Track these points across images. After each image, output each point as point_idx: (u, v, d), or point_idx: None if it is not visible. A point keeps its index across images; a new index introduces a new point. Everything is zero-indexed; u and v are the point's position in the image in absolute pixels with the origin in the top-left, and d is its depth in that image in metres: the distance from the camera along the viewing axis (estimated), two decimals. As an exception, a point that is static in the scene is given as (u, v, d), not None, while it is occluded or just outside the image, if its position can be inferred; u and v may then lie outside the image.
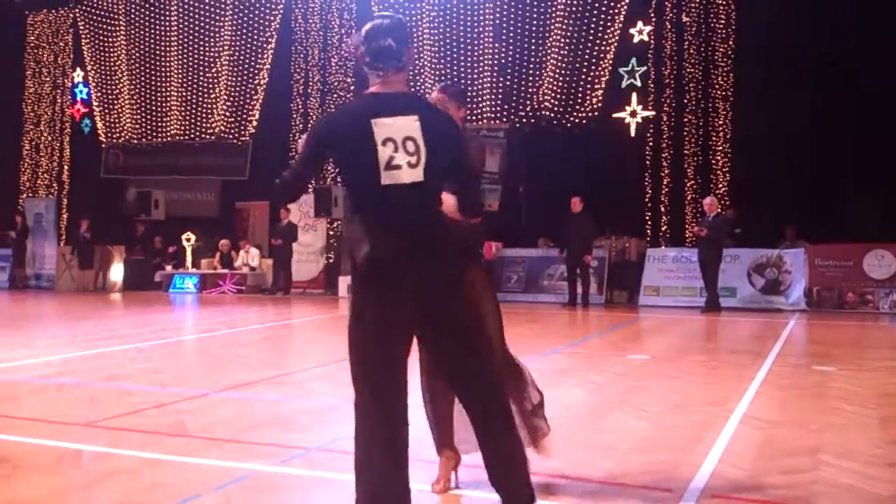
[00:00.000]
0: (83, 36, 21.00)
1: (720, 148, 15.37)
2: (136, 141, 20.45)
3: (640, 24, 15.94)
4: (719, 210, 13.60)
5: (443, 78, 17.58)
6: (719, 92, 15.43)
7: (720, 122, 15.40)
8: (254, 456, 4.28)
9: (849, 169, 13.58)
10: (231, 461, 4.19)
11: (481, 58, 17.28)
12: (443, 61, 17.59)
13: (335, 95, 18.59)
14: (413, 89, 17.86)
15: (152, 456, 4.27)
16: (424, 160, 2.87)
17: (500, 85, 17.06)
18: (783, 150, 14.15)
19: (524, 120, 16.77)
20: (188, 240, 18.38)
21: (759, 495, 3.66)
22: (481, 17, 17.30)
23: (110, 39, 20.74)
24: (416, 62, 17.87)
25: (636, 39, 16.00)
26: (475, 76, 17.34)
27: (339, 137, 2.94)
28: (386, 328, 2.91)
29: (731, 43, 15.38)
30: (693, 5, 15.66)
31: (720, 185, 15.25)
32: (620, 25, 16.10)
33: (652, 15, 15.93)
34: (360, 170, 2.90)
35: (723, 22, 15.46)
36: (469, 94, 17.41)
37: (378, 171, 2.85)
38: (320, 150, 3.07)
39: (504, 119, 16.99)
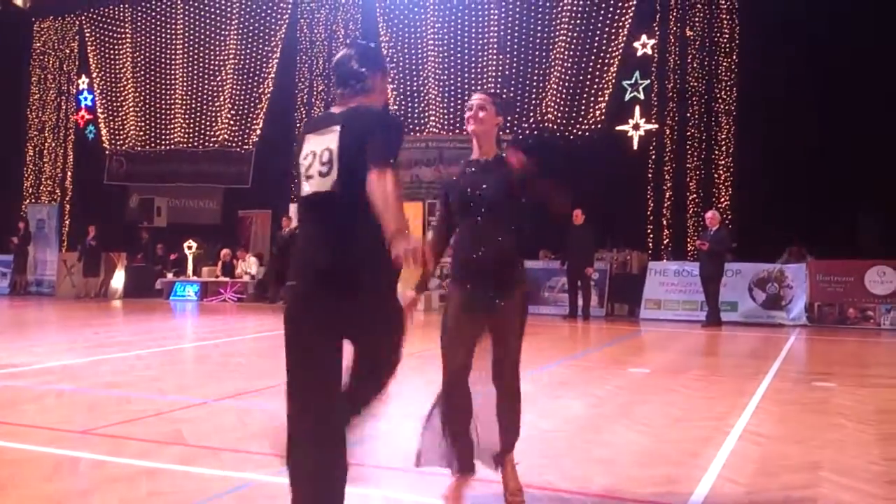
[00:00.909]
0: (89, 43, 21.10)
1: (722, 162, 15.39)
2: (139, 148, 20.52)
3: (643, 37, 16.00)
4: (721, 224, 13.60)
5: (446, 90, 17.64)
6: (722, 106, 15.46)
7: (723, 136, 15.43)
8: (252, 465, 4.27)
9: (851, 184, 13.57)
10: (229, 470, 4.18)
11: (485, 69, 17.34)
12: (447, 72, 17.64)
13: (339, 105, 18.63)
14: (417, 101, 17.94)
15: (150, 464, 4.26)
16: (336, 170, 2.81)
17: (504, 96, 17.08)
18: (785, 164, 14.15)
19: (527, 132, 16.80)
20: (190, 247, 18.40)
21: (757, 511, 3.64)
22: (485, 29, 17.37)
23: (116, 47, 20.84)
24: (420, 73, 17.93)
25: (640, 53, 16.05)
26: (479, 87, 17.38)
27: (295, 152, 3.07)
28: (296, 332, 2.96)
29: (734, 57, 15.42)
30: (696, 19, 15.72)
31: (722, 199, 15.26)
32: (624, 39, 16.16)
33: (656, 28, 15.99)
34: (298, 181, 3.00)
35: (726, 36, 15.51)
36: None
37: (300, 182, 2.95)
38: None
39: (507, 131, 17.01)
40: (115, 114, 20.87)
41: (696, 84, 15.66)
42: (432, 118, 17.79)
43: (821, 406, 6.20)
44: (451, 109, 17.61)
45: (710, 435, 5.13)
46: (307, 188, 2.92)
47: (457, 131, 17.61)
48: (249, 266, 17.77)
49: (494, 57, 17.24)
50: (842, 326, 12.94)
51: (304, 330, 2.91)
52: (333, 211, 2.84)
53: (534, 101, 16.82)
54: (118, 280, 18.51)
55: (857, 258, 13.30)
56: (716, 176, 15.44)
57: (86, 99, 21.33)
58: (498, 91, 17.01)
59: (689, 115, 15.68)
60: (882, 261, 13.04)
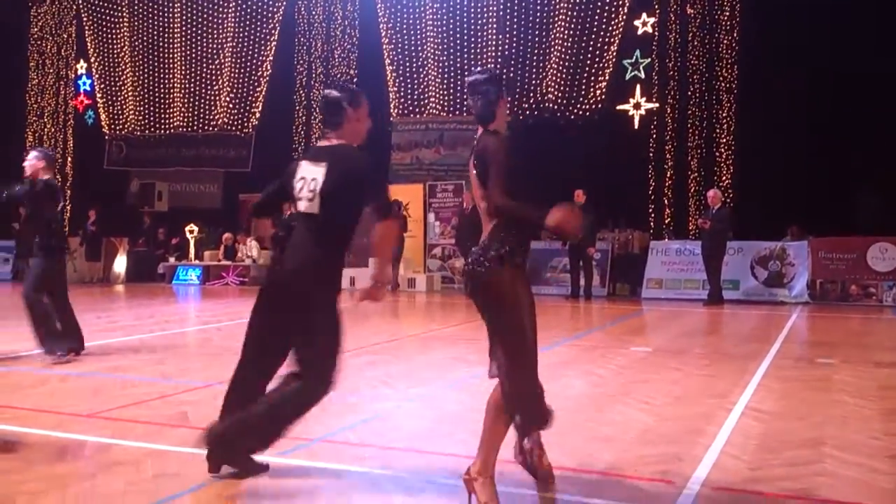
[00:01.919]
0: (87, 27, 21.01)
1: (724, 140, 15.34)
2: (139, 133, 20.47)
3: (644, 15, 15.90)
4: (723, 202, 13.58)
5: (445, 71, 17.56)
6: (723, 84, 15.39)
7: (724, 115, 15.37)
8: (256, 447, 4.28)
9: (853, 161, 13.54)
10: (234, 452, 4.19)
11: (484, 50, 17.25)
12: (446, 53, 17.56)
13: (338, 87, 18.56)
14: (417, 83, 17.87)
15: (155, 447, 4.28)
16: (318, 200, 3.67)
17: (504, 77, 16.99)
18: (787, 142, 14.11)
19: (528, 112, 16.74)
20: (191, 231, 18.40)
21: (760, 487, 3.66)
22: (485, 10, 17.27)
23: (114, 31, 20.74)
24: (420, 54, 17.85)
25: (640, 31, 15.96)
26: (479, 68, 17.30)
27: (289, 169, 3.91)
28: (259, 315, 3.87)
29: (735, 35, 15.33)
30: (698, -3, 15.62)
31: (724, 178, 15.22)
32: (624, 17, 16.07)
33: (656, 6, 15.89)
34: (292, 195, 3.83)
35: (727, 14, 15.41)
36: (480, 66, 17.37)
37: (294, 198, 3.81)
38: (281, 182, 4.01)
39: (508, 112, 16.93)
40: (115, 98, 20.81)
41: (696, 62, 15.58)
42: (432, 99, 17.72)
43: (822, 383, 6.21)
44: (452, 91, 17.54)
45: (713, 412, 5.14)
46: (300, 206, 3.78)
47: (457, 112, 17.55)
48: (251, 250, 17.78)
49: (494, 37, 17.14)
50: (844, 303, 12.95)
51: (263, 308, 3.83)
52: (312, 228, 3.72)
53: (534, 82, 16.74)
54: (120, 265, 18.53)
55: (858, 235, 13.28)
56: (717, 154, 15.40)
57: (84, 84, 21.27)
58: (499, 71, 16.94)
59: (690, 93, 15.61)
60: (884, 238, 13.03)
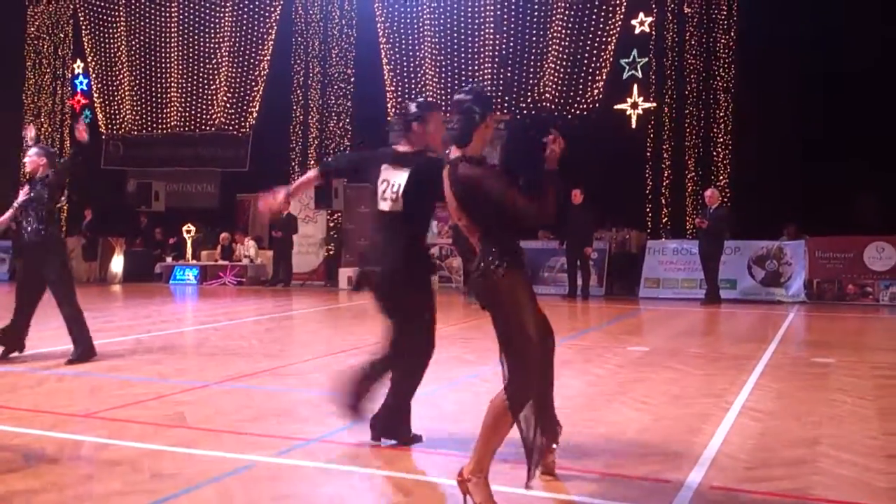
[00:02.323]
0: (83, 27, 20.96)
1: (721, 140, 15.34)
2: (136, 132, 20.44)
3: (641, 14, 15.90)
4: (720, 202, 13.59)
5: (443, 70, 17.55)
6: (720, 83, 15.39)
7: (721, 114, 15.37)
8: (254, 447, 4.29)
9: (850, 161, 13.54)
10: (231, 452, 4.20)
11: (482, 49, 17.24)
12: (443, 52, 17.55)
13: (335, 87, 18.57)
14: (414, 81, 17.87)
15: (152, 447, 4.28)
16: (401, 201, 4.15)
17: (501, 76, 17.02)
18: (784, 141, 14.12)
19: (525, 111, 16.74)
20: (188, 231, 18.38)
21: (757, 486, 3.67)
22: (482, 9, 17.26)
23: (111, 30, 20.70)
24: (417, 53, 17.84)
25: (637, 30, 15.96)
26: (476, 67, 17.31)
27: (369, 162, 4.42)
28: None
29: (732, 34, 15.33)
30: (695, -4, 15.62)
31: (721, 177, 15.23)
32: (622, 16, 16.06)
33: (653, 6, 15.89)
34: (373, 194, 4.29)
35: (724, 13, 15.41)
36: (469, 85, 17.37)
37: (377, 198, 4.25)
38: (359, 164, 4.68)
39: (505, 111, 16.97)
40: (111, 98, 20.76)
41: (694, 62, 15.58)
42: (430, 99, 17.71)
43: (820, 382, 6.22)
44: (448, 90, 17.52)
45: (710, 412, 5.15)
46: (383, 206, 4.23)
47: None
48: (248, 249, 17.77)
49: (491, 36, 17.14)
50: (841, 303, 12.96)
51: (378, 304, 4.34)
52: (395, 227, 4.20)
53: (531, 81, 16.74)
54: (117, 264, 18.51)
55: (855, 234, 13.29)
56: (714, 154, 15.40)
57: (81, 83, 21.23)
58: (495, 72, 16.95)
59: (687, 93, 15.61)
60: (881, 237, 13.04)
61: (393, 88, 17.98)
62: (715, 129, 15.41)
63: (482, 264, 3.39)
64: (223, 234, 18.18)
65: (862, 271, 13.09)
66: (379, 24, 18.03)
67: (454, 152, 3.50)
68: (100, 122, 20.79)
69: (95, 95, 20.90)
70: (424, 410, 5.20)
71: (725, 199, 14.55)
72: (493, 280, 3.35)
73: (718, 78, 15.40)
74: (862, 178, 13.50)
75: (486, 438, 3.37)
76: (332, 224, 18.21)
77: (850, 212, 13.79)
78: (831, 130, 13.62)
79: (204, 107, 19.77)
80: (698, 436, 4.55)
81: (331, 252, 18.09)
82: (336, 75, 18.58)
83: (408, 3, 17.89)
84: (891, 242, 12.95)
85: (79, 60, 21.18)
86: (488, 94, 3.86)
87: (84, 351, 6.98)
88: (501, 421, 3.36)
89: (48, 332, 7.88)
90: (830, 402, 5.46)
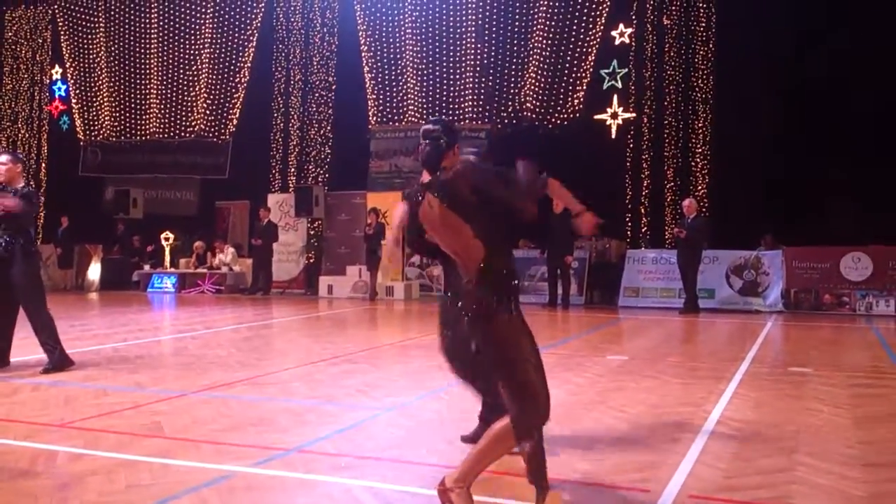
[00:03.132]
0: (62, 32, 20.81)
1: (699, 150, 15.48)
2: (114, 139, 20.29)
3: (621, 26, 16.03)
4: (698, 212, 13.69)
5: (424, 79, 17.57)
6: (699, 94, 15.53)
7: (700, 125, 15.51)
8: (231, 457, 4.25)
9: (827, 171, 13.71)
10: (208, 462, 4.16)
11: (463, 58, 17.30)
12: (425, 61, 17.58)
13: (316, 94, 18.54)
14: (396, 90, 17.89)
15: (128, 457, 4.23)
16: None
17: (482, 85, 17.08)
18: (762, 152, 14.26)
19: (506, 121, 16.80)
20: (167, 239, 18.25)
21: (735, 496, 3.68)
22: (464, 18, 17.32)
23: (90, 36, 20.56)
24: (399, 61, 17.87)
25: (617, 41, 16.08)
26: (457, 76, 17.35)
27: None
28: None
29: (710, 46, 15.49)
30: (674, 8, 15.77)
31: (699, 188, 15.36)
32: (602, 27, 16.18)
33: (633, 17, 16.02)
34: None
35: (703, 25, 15.57)
36: (451, 94, 17.42)
37: None
38: None
39: (486, 120, 17.01)
40: (90, 104, 20.61)
41: (673, 73, 15.72)
42: (411, 107, 17.73)
43: (797, 391, 6.27)
44: (430, 98, 17.56)
45: (688, 421, 5.17)
46: None
47: (435, 120, 17.54)
48: (227, 257, 17.65)
49: (473, 45, 17.19)
50: (817, 312, 13.09)
51: None
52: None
53: (512, 90, 16.81)
54: (94, 272, 18.33)
55: (831, 244, 13.43)
56: (693, 164, 15.53)
57: (59, 89, 21.06)
58: (476, 81, 17.00)
59: (666, 103, 15.74)
60: (857, 247, 13.19)
61: (374, 97, 17.98)
62: (693, 140, 15.55)
63: (483, 303, 3.26)
64: (197, 243, 18.04)
65: (838, 281, 13.22)
66: (360, 32, 18.04)
67: (425, 177, 3.63)
68: (78, 129, 20.63)
69: (74, 101, 20.74)
70: (404, 420, 5.18)
71: (704, 209, 14.67)
72: (495, 324, 3.29)
73: (697, 89, 15.55)
74: (840, 188, 13.67)
75: (479, 459, 3.35)
76: (312, 232, 18.15)
77: (827, 222, 13.95)
78: (809, 141, 13.79)
79: (183, 113, 19.67)
80: (677, 445, 4.56)
81: (311, 260, 18.02)
82: (317, 83, 18.56)
83: (389, 12, 17.92)
84: (867, 253, 13.10)
85: (57, 66, 21.03)
86: (455, 125, 3.93)
87: (61, 360, 6.88)
88: (500, 446, 3.34)
89: (23, 342, 7.78)
90: (807, 412, 5.50)
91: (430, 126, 3.74)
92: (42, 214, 20.56)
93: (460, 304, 3.36)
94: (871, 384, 6.63)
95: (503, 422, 3.31)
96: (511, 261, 3.44)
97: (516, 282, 3.45)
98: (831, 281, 13.26)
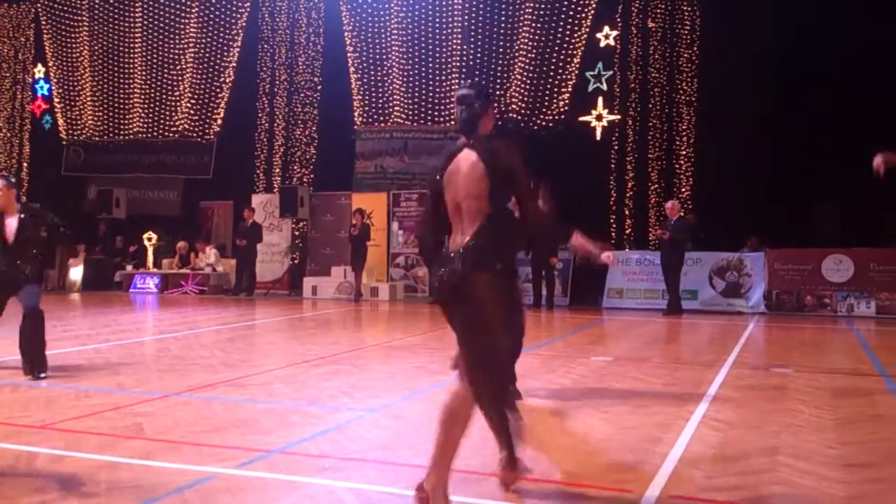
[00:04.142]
0: (45, 31, 20.62)
1: (684, 153, 15.56)
2: (97, 138, 20.13)
3: (606, 28, 16.09)
4: (681, 214, 13.76)
5: (410, 79, 17.56)
6: (683, 97, 15.62)
7: (684, 127, 15.60)
8: (214, 459, 4.23)
9: (810, 174, 13.81)
10: (190, 464, 4.14)
11: (449, 59, 17.30)
12: (411, 62, 17.57)
13: (302, 94, 18.49)
14: (381, 91, 17.87)
15: (109, 459, 4.20)
16: None
17: (491, 92, 17.05)
18: (745, 155, 14.34)
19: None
20: (150, 239, 18.13)
21: (717, 496, 3.70)
22: (450, 19, 17.33)
23: (73, 35, 20.39)
24: (385, 63, 17.85)
25: (603, 44, 16.14)
26: (443, 78, 17.35)
27: None
28: None
29: (695, 49, 15.59)
30: (659, 11, 15.85)
31: (683, 189, 15.44)
32: (587, 30, 16.23)
33: (618, 20, 16.08)
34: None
35: (688, 28, 15.67)
36: (437, 95, 17.43)
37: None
38: None
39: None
40: (73, 103, 20.44)
41: (657, 75, 15.80)
42: (397, 108, 17.71)
43: (778, 392, 6.31)
44: (416, 99, 17.55)
45: (671, 421, 5.20)
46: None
47: (422, 121, 17.56)
48: (210, 258, 17.55)
49: (459, 47, 17.20)
50: (799, 314, 13.19)
51: None
52: None
53: (498, 92, 16.82)
54: (76, 273, 18.18)
55: (814, 247, 13.54)
56: (677, 166, 15.61)
57: (42, 88, 20.86)
58: (462, 83, 17.00)
59: (651, 106, 15.82)
60: (839, 249, 13.30)
61: (360, 97, 17.95)
62: (678, 142, 15.63)
63: (473, 258, 3.36)
64: (180, 243, 17.93)
65: (820, 283, 13.33)
66: (346, 33, 18.01)
67: (463, 140, 3.67)
68: (60, 128, 20.46)
69: (56, 100, 20.55)
70: (387, 421, 5.18)
71: (687, 211, 14.74)
72: (481, 280, 3.34)
73: (681, 91, 15.63)
74: (822, 191, 13.79)
75: (443, 450, 3.36)
76: (297, 232, 18.10)
77: (810, 224, 14.06)
78: (791, 144, 13.89)
79: (167, 113, 19.56)
80: (660, 445, 4.58)
81: (295, 261, 17.96)
82: (302, 83, 18.50)
83: (375, 13, 17.90)
84: (848, 255, 13.21)
85: (40, 65, 20.83)
86: (489, 89, 3.98)
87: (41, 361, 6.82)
88: (454, 429, 3.36)
89: (3, 342, 7.71)
90: (789, 412, 5.54)
91: (464, 91, 3.72)
92: (24, 214, 20.35)
93: (459, 260, 3.40)
94: (852, 385, 6.69)
95: (449, 402, 3.37)
96: (509, 235, 3.52)
97: (514, 253, 3.60)
98: (813, 282, 13.37)
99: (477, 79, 16.91)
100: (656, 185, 15.70)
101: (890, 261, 13.03)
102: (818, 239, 13.72)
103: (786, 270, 13.54)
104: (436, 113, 17.41)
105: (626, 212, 15.86)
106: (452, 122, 17.06)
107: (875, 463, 4.29)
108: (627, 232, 15.86)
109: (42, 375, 6.58)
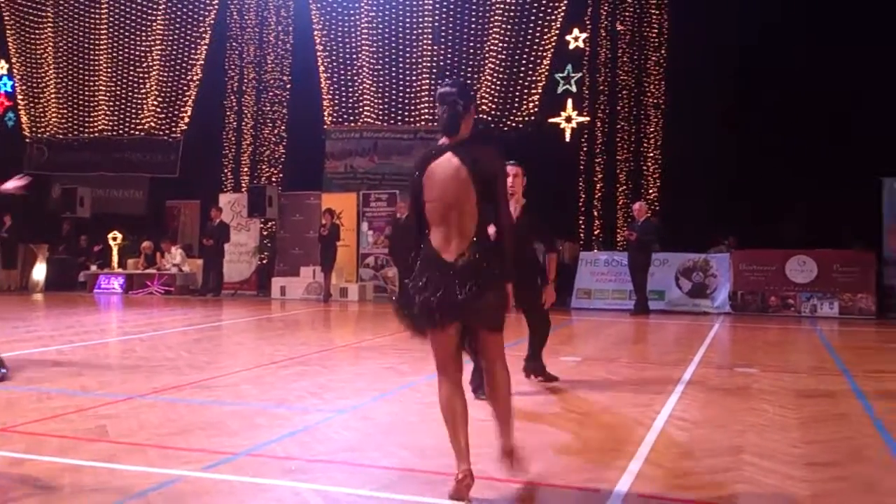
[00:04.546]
0: (8, 26, 20.22)
1: (651, 154, 15.72)
2: (61, 136, 19.81)
3: (575, 30, 16.19)
4: (648, 215, 13.89)
5: (380, 79, 17.52)
6: (651, 100, 15.79)
7: (651, 130, 15.76)
8: (179, 461, 4.18)
9: (776, 176, 14.02)
10: (155, 467, 4.08)
11: (420, 59, 17.29)
12: (381, 62, 17.53)
13: (271, 93, 18.36)
14: (351, 91, 17.81)
15: (72, 462, 4.12)
16: None
17: (438, 87, 17.07)
18: (711, 157, 14.52)
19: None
20: (114, 239, 17.87)
21: (683, 494, 3.73)
22: (420, 20, 17.32)
23: (37, 30, 20.04)
24: (354, 63, 17.79)
25: (572, 46, 16.24)
26: (413, 78, 17.34)
27: None
28: None
29: (663, 52, 15.76)
30: (627, 14, 16.00)
31: (651, 191, 15.59)
32: (557, 32, 16.32)
33: (588, 22, 16.20)
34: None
35: (655, 31, 15.83)
36: (407, 96, 17.40)
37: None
38: None
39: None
40: (36, 100, 20.08)
41: (626, 78, 15.94)
42: (367, 108, 17.66)
43: (743, 391, 6.39)
44: (386, 100, 17.52)
45: (638, 421, 5.23)
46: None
47: (392, 122, 17.53)
48: (175, 258, 17.33)
49: (429, 48, 17.20)
50: (763, 314, 13.37)
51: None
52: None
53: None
54: (39, 272, 17.86)
55: (779, 247, 13.74)
56: (644, 168, 15.76)
57: (5, 85, 20.46)
58: (432, 83, 17.00)
59: (619, 108, 15.96)
60: (803, 251, 13.51)
61: (330, 97, 17.87)
62: (645, 144, 15.79)
63: (483, 278, 3.58)
64: (145, 243, 17.68)
65: (784, 284, 13.53)
66: (316, 32, 17.91)
67: (445, 140, 3.67)
68: (24, 125, 20.09)
69: (20, 97, 20.18)
70: (356, 423, 5.15)
71: (654, 212, 14.87)
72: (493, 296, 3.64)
73: (649, 94, 15.79)
74: (787, 193, 14.00)
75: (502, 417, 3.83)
76: (265, 232, 17.96)
77: (775, 226, 14.26)
78: (759, 147, 14.09)
79: (133, 111, 19.30)
80: (627, 445, 4.61)
81: (264, 261, 17.82)
82: (271, 81, 18.37)
83: (345, 12, 17.83)
84: (812, 256, 13.43)
85: (2, 61, 20.43)
86: (470, 87, 3.98)
87: None
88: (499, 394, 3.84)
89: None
90: (753, 412, 5.61)
91: (446, 89, 3.70)
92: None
93: (468, 269, 3.56)
94: (816, 385, 6.79)
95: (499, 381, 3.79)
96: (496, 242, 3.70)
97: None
98: (777, 283, 13.56)
99: (453, 77, 16.93)
100: (624, 187, 15.84)
101: (853, 262, 13.28)
102: (784, 240, 13.92)
103: (750, 271, 13.72)
104: (406, 113, 17.38)
105: (595, 213, 15.98)
106: (423, 123, 17.09)
107: (838, 462, 4.35)
108: (596, 233, 15.98)
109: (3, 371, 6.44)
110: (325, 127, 17.89)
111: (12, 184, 6.57)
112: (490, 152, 3.63)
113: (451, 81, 3.77)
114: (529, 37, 16.50)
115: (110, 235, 17.90)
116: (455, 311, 3.56)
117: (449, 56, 17.06)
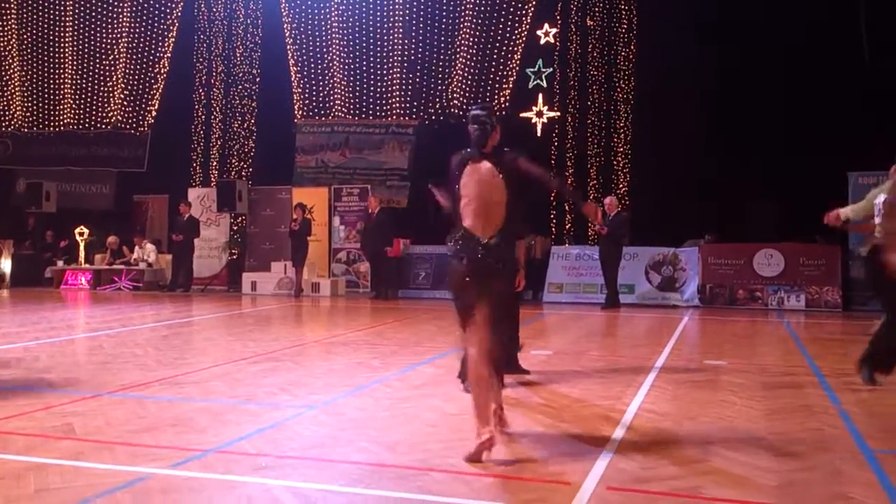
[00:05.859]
0: (-31, 17, 19.82)
1: (621, 149, 15.84)
2: (26, 129, 19.47)
3: (546, 25, 16.25)
4: (619, 209, 13.99)
5: (351, 73, 17.43)
6: (621, 95, 15.90)
7: (621, 125, 15.87)
8: (147, 459, 4.13)
9: (744, 171, 14.19)
10: (123, 465, 4.03)
11: (391, 54, 17.24)
12: (352, 55, 17.45)
13: (240, 87, 18.19)
14: (322, 85, 17.69)
15: (38, 460, 4.06)
16: None
17: (410, 82, 17.06)
18: (680, 152, 14.67)
19: (433, 117, 16.82)
20: (81, 234, 17.61)
21: (652, 486, 3.77)
22: (391, 13, 17.26)
23: (1, 22, 19.65)
24: (325, 56, 17.69)
25: (543, 41, 16.30)
26: (384, 72, 17.29)
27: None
28: None
29: (632, 47, 15.86)
30: (597, 10, 16.08)
31: (621, 185, 15.70)
32: (528, 26, 16.37)
33: (558, 17, 16.26)
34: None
35: (625, 27, 15.93)
36: (378, 90, 17.34)
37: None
38: None
39: (413, 116, 17.01)
40: (0, 93, 19.71)
41: (596, 73, 16.03)
42: (338, 102, 17.57)
43: (712, 383, 6.47)
44: (357, 94, 17.44)
45: (608, 413, 5.28)
46: None
47: (363, 116, 17.46)
48: (147, 253, 17.13)
49: (400, 41, 17.15)
50: (732, 307, 13.54)
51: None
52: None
53: (439, 87, 16.85)
54: (5, 268, 17.55)
55: (746, 242, 13.92)
56: (615, 163, 15.88)
57: (-34, 77, 20.06)
58: (403, 77, 16.97)
59: (589, 103, 16.05)
60: (770, 244, 13.70)
61: (300, 90, 17.75)
62: (616, 139, 15.90)
63: (499, 255, 4.31)
64: (110, 238, 17.44)
65: (752, 277, 13.70)
66: (285, 25, 17.78)
67: (475, 150, 4.55)
68: (-14, 118, 19.72)
69: (-19, 89, 19.79)
70: (327, 418, 5.13)
71: (624, 207, 14.99)
72: (505, 272, 4.39)
73: (619, 89, 15.90)
74: (755, 188, 14.18)
75: (479, 404, 4.25)
76: (235, 227, 17.81)
77: (743, 220, 14.45)
78: (727, 142, 14.25)
79: (99, 104, 19.03)
80: (596, 438, 4.65)
81: (234, 256, 17.67)
82: (240, 75, 18.21)
83: (315, 5, 17.71)
84: (779, 249, 13.62)
85: (-37, 52, 20.02)
86: (495, 110, 5.05)
87: None
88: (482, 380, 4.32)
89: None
90: (721, 403, 5.67)
91: (478, 112, 4.62)
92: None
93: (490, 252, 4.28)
94: (782, 377, 6.89)
95: (473, 371, 4.26)
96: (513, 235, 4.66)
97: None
98: (745, 277, 13.74)
99: (417, 75, 16.91)
100: (595, 182, 15.95)
101: (819, 255, 13.48)
102: (752, 233, 14.09)
103: (718, 265, 13.88)
104: (377, 108, 17.33)
105: (566, 207, 16.06)
106: (394, 117, 17.04)
107: (804, 452, 4.42)
108: (567, 227, 16.07)
109: None
110: (296, 121, 17.77)
111: None
112: (509, 157, 4.57)
113: (482, 105, 4.73)
114: (500, 31, 16.52)
115: (77, 230, 17.63)
116: (478, 273, 4.22)
117: (420, 50, 17.03)
